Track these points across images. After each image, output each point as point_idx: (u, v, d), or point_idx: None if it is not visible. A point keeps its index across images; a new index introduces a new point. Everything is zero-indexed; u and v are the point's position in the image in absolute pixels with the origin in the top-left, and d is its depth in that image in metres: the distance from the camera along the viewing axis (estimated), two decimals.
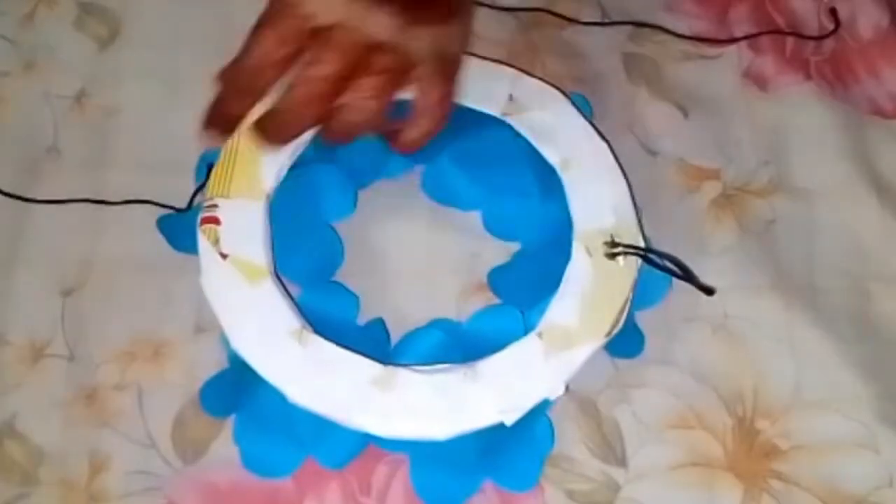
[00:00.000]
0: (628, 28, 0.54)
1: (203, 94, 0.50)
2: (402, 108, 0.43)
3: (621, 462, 0.44)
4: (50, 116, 0.49)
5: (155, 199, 0.47)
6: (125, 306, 0.46)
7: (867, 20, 0.55)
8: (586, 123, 0.47)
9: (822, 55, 0.54)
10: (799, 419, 0.45)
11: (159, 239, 0.46)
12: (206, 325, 0.45)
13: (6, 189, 0.47)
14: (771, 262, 0.48)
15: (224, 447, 0.43)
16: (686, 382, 0.45)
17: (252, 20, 0.52)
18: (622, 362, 0.45)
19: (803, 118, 0.52)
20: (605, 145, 0.46)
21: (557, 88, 0.48)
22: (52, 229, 0.47)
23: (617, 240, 0.44)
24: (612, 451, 0.44)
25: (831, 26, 0.54)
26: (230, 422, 0.43)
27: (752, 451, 0.44)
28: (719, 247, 0.48)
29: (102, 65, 0.51)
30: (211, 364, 0.44)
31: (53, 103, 0.50)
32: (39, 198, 0.47)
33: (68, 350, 0.45)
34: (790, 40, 0.54)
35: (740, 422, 0.45)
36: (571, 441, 0.44)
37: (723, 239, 0.49)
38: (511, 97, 0.47)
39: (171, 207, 0.47)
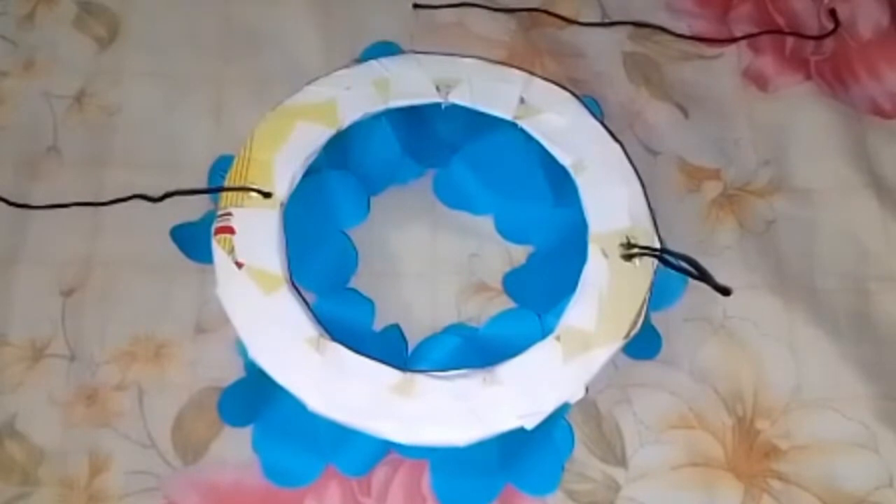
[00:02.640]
0: (628, 28, 0.54)
1: (202, 93, 0.51)
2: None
3: (621, 462, 0.44)
4: (50, 116, 0.49)
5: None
6: (125, 306, 0.46)
7: (867, 20, 0.55)
8: (598, 125, 0.47)
9: (822, 55, 0.54)
10: (799, 419, 0.45)
11: (159, 239, 0.46)
12: (206, 325, 0.45)
13: (6, 188, 0.47)
14: (771, 262, 0.48)
15: (224, 447, 0.43)
16: (686, 382, 0.45)
17: (251, 20, 0.53)
18: (622, 362, 0.45)
19: (803, 118, 0.52)
20: (617, 147, 0.46)
21: (569, 90, 0.48)
22: (53, 229, 0.47)
23: (632, 241, 0.44)
24: (612, 450, 0.44)
25: (831, 26, 0.54)
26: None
27: (752, 451, 0.44)
28: (719, 247, 0.48)
29: (102, 65, 0.51)
30: (211, 365, 0.44)
31: (53, 103, 0.50)
32: (39, 196, 0.47)
33: (69, 350, 0.45)
34: (790, 40, 0.54)
35: (740, 422, 0.45)
36: None
37: (723, 239, 0.49)
38: (522, 100, 0.47)
39: (150, 198, 0.45)
